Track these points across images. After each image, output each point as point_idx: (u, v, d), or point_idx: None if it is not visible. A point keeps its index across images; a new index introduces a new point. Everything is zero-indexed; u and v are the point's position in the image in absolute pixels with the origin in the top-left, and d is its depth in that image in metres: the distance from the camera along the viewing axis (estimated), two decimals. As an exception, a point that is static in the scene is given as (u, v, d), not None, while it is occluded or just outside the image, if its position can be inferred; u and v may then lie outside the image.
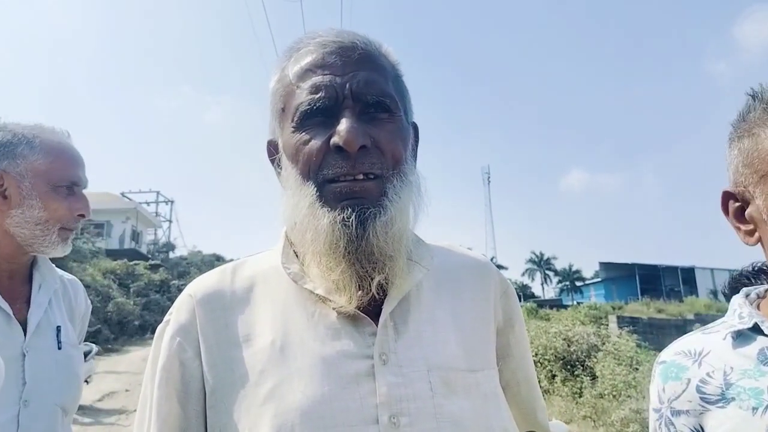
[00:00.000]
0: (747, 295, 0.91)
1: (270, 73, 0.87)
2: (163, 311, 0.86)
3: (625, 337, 9.90)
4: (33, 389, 1.24)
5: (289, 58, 0.83)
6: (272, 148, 0.87)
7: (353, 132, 0.73)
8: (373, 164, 0.76)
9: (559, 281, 59.37)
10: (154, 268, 26.24)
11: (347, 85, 0.76)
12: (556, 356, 9.76)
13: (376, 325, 0.77)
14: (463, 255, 0.95)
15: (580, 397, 8.63)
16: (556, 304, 30.07)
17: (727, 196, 0.88)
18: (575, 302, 37.42)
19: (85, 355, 7.78)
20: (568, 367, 9.58)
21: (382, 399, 0.72)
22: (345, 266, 0.74)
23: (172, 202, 42.83)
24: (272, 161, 0.87)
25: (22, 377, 1.23)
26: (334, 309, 0.78)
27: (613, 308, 24.47)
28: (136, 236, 34.81)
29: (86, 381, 8.51)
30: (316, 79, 0.78)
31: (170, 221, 42.22)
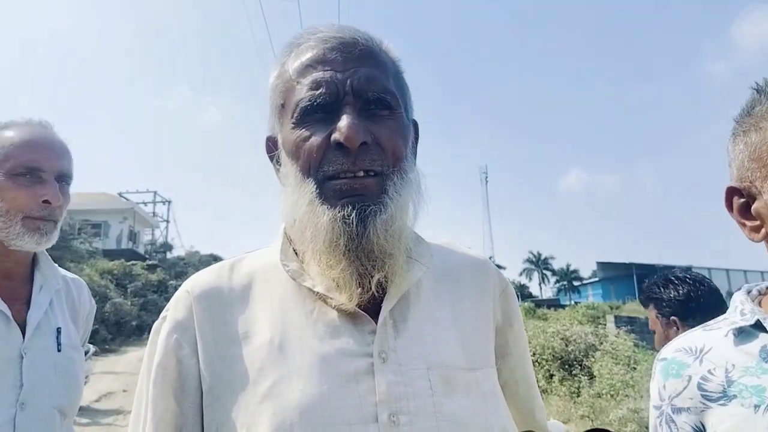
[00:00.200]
0: (749, 292, 0.90)
1: (269, 69, 0.86)
2: (161, 312, 0.85)
3: (623, 337, 9.89)
4: (30, 392, 1.22)
5: (289, 53, 0.82)
6: (271, 145, 0.86)
7: (354, 128, 0.73)
8: (374, 161, 0.75)
9: (557, 281, 59.59)
10: (151, 268, 26.14)
11: (348, 81, 0.76)
12: (553, 356, 9.76)
13: (376, 323, 0.76)
14: (463, 254, 0.94)
15: (578, 396, 8.62)
16: (554, 304, 30.08)
17: (731, 192, 0.86)
18: (573, 302, 37.40)
19: (83, 355, 7.74)
20: (566, 366, 9.59)
21: (382, 397, 0.71)
22: (345, 264, 0.74)
23: (169, 202, 42.67)
24: (271, 158, 0.86)
25: (20, 379, 1.22)
26: (333, 307, 0.77)
27: (611, 308, 24.49)
28: (133, 236, 34.69)
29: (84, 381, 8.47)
30: (317, 74, 0.77)
31: (168, 221, 42.05)
